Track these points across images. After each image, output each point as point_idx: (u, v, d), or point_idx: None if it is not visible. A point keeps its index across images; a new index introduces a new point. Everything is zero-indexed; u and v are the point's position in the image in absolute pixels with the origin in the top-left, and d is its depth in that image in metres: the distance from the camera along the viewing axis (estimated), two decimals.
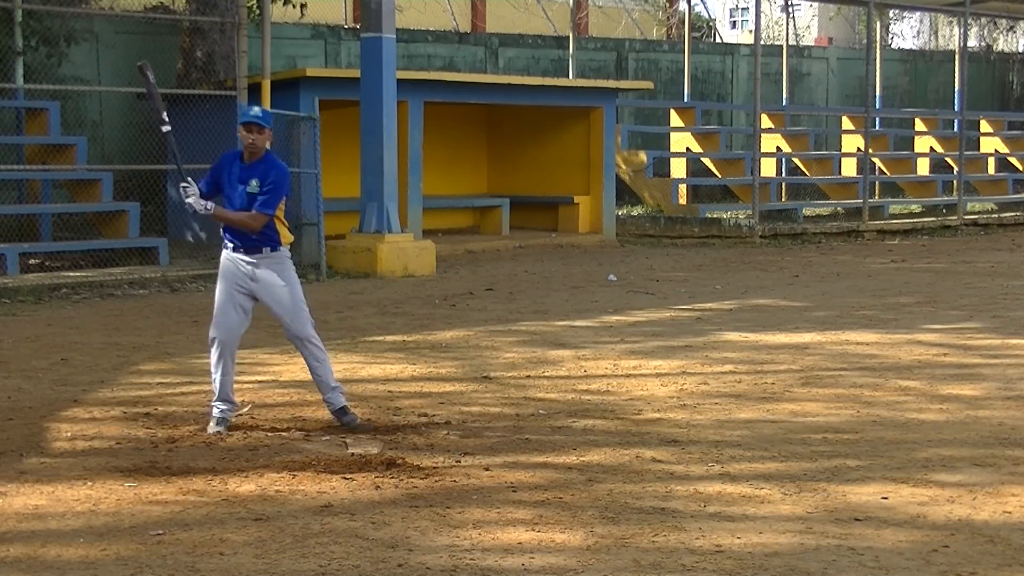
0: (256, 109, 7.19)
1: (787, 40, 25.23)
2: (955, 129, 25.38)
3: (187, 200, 7.00)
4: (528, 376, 8.88)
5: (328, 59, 20.38)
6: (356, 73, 15.67)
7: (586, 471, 6.33)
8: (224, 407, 7.13)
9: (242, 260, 7.10)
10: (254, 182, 7.02)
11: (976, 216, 23.56)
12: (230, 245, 7.13)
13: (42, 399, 7.97)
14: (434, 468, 6.34)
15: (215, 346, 7.13)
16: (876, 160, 24.15)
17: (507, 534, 5.32)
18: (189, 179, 7.04)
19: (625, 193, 21.68)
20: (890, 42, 32.16)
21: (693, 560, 5.01)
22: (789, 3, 25.70)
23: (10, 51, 14.87)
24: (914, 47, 35.03)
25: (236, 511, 5.62)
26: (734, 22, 47.17)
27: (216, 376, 7.12)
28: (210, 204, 7.03)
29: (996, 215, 23.91)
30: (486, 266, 16.20)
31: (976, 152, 26.22)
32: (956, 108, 25.45)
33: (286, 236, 7.22)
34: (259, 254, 7.10)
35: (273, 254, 7.13)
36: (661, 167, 22.50)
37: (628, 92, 22.21)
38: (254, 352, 9.33)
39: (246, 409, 7.56)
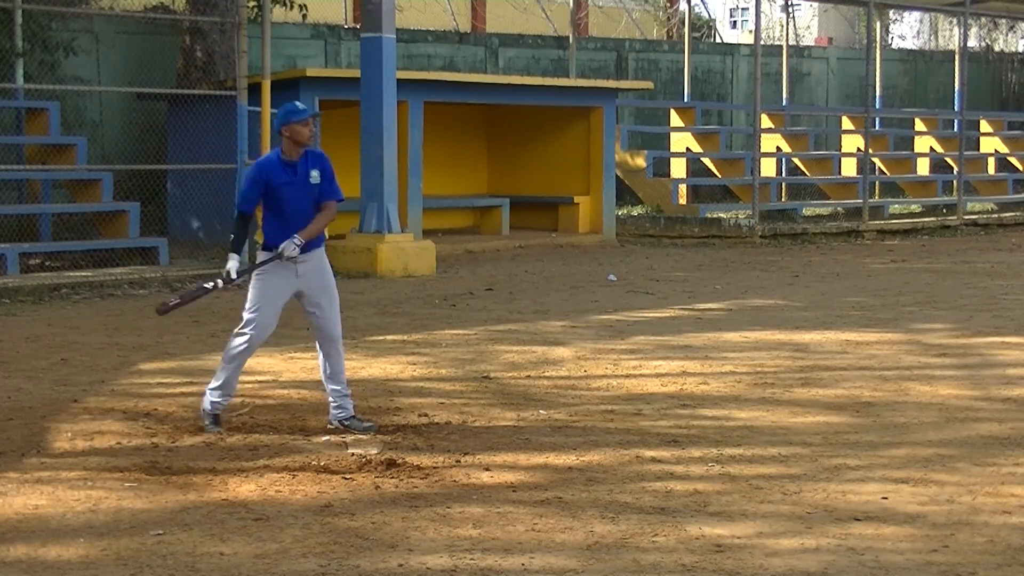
0: (300, 104, 7.17)
1: (787, 40, 25.22)
2: (955, 129, 25.38)
3: (289, 254, 6.90)
4: (528, 376, 8.88)
5: (328, 59, 20.38)
6: (356, 73, 15.67)
7: (586, 471, 6.33)
8: (220, 396, 7.07)
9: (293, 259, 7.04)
10: (315, 172, 7.03)
11: (976, 216, 23.56)
12: (273, 246, 7.03)
13: (42, 399, 7.97)
14: (434, 468, 6.34)
15: (244, 343, 7.01)
16: (876, 160, 24.14)
17: (507, 534, 5.32)
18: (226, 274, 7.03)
19: (625, 193, 21.68)
20: (890, 42, 32.15)
21: (693, 560, 5.01)
22: (789, 3, 25.70)
23: (10, 53, 14.86)
24: (914, 47, 35.03)
25: (236, 511, 5.62)
26: (734, 22, 47.16)
27: (229, 366, 7.05)
28: (297, 239, 6.91)
29: (996, 215, 23.92)
30: (486, 266, 16.20)
31: (976, 152, 26.21)
32: (956, 108, 25.45)
33: None
34: (309, 253, 7.07)
35: (317, 250, 7.14)
36: (661, 167, 22.49)
37: (628, 92, 22.20)
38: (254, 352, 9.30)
39: (246, 410, 7.56)
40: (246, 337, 7.04)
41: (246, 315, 7.07)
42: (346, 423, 7.15)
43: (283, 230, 7.00)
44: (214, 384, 7.11)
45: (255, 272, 7.09)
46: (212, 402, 7.08)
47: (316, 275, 7.14)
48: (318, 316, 7.15)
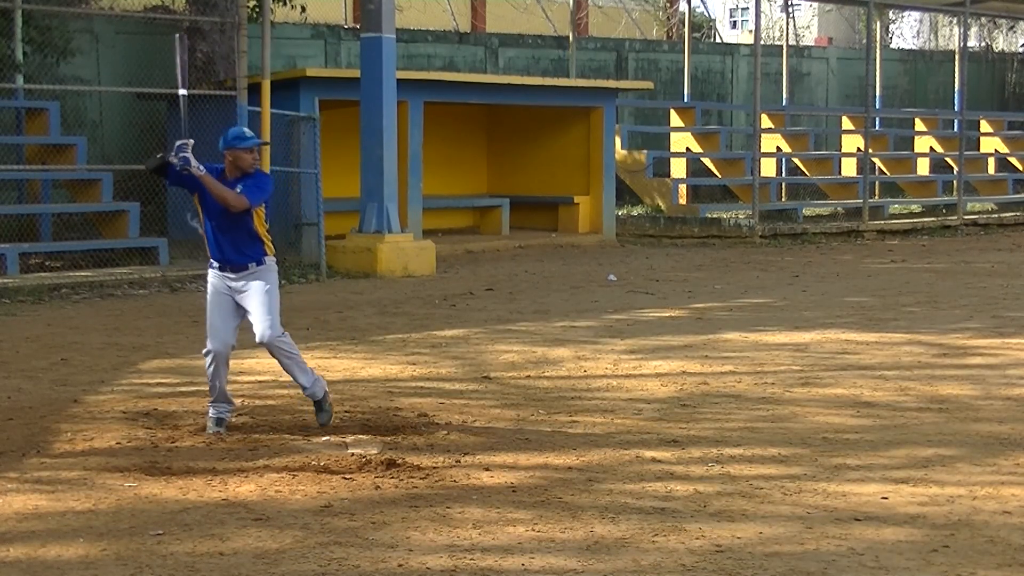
0: (249, 131, 7.23)
1: (787, 40, 25.22)
2: (955, 129, 25.38)
3: (183, 154, 6.87)
4: (528, 376, 8.88)
5: (328, 59, 20.38)
6: (356, 73, 15.67)
7: (586, 471, 6.33)
8: (222, 408, 7.13)
9: (228, 277, 7.12)
10: (238, 187, 7.04)
11: (976, 216, 23.56)
12: (216, 264, 7.15)
13: (42, 399, 7.97)
14: (434, 468, 6.34)
15: (210, 357, 7.13)
16: (876, 160, 24.15)
17: (507, 534, 5.32)
18: (191, 140, 6.98)
19: (625, 193, 21.68)
20: (889, 42, 32.15)
21: (693, 560, 5.01)
22: (789, 3, 25.70)
23: (10, 59, 14.84)
24: (914, 47, 35.02)
25: (236, 511, 5.62)
26: (734, 22, 47.16)
27: (213, 383, 7.12)
28: (202, 167, 6.95)
29: (996, 215, 23.92)
30: (486, 266, 16.20)
31: (976, 152, 26.22)
32: (956, 108, 25.45)
33: (270, 248, 7.23)
34: (245, 271, 7.12)
35: (259, 268, 7.14)
36: (661, 167, 22.49)
37: (628, 92, 22.21)
38: (254, 352, 9.31)
39: (246, 410, 7.55)
40: (210, 356, 7.13)
41: (207, 335, 7.17)
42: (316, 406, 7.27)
43: (215, 244, 7.13)
44: (210, 399, 7.18)
45: (207, 290, 7.18)
46: (218, 412, 7.13)
47: (247, 290, 7.12)
48: (251, 320, 7.17)
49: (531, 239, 18.60)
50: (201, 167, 6.93)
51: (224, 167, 7.11)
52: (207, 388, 7.22)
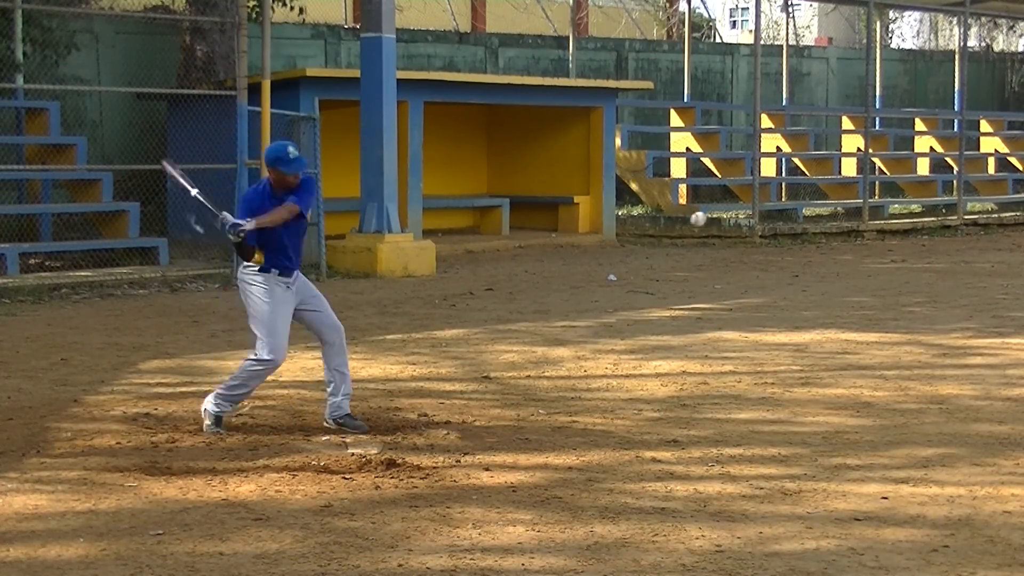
0: (293, 151, 7.05)
1: (787, 40, 25.22)
2: (955, 129, 25.39)
3: (230, 226, 6.81)
4: (528, 376, 8.88)
5: (328, 59, 20.38)
6: (356, 73, 15.68)
7: (586, 471, 6.33)
8: (228, 407, 7.10)
9: (287, 282, 7.08)
10: (290, 199, 7.04)
11: (976, 216, 23.57)
12: (276, 271, 7.05)
13: (42, 399, 7.97)
14: (434, 468, 6.34)
15: (267, 367, 7.00)
16: (876, 160, 24.15)
17: (507, 534, 5.32)
18: (224, 212, 6.94)
19: (625, 193, 21.68)
20: (889, 41, 32.14)
21: (693, 560, 5.01)
22: (789, 3, 25.70)
23: (10, 59, 14.85)
24: (914, 47, 35.02)
25: (236, 511, 5.62)
26: (734, 22, 47.15)
27: (244, 387, 7.03)
28: (249, 219, 6.87)
29: (996, 215, 23.92)
30: (486, 266, 16.20)
31: (976, 152, 26.22)
32: (956, 108, 25.46)
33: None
34: (292, 276, 7.14)
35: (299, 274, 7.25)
36: (661, 167, 22.49)
37: (628, 92, 22.21)
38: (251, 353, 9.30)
39: (246, 408, 7.55)
40: (269, 361, 6.98)
41: (265, 340, 6.98)
42: (340, 421, 7.17)
43: (290, 255, 7.09)
44: (225, 394, 7.07)
45: (262, 297, 7.02)
46: (217, 412, 7.07)
47: (304, 286, 7.21)
48: (320, 314, 7.22)
49: (531, 239, 18.60)
50: (250, 220, 6.83)
51: (269, 180, 7.07)
52: (211, 385, 7.19)
